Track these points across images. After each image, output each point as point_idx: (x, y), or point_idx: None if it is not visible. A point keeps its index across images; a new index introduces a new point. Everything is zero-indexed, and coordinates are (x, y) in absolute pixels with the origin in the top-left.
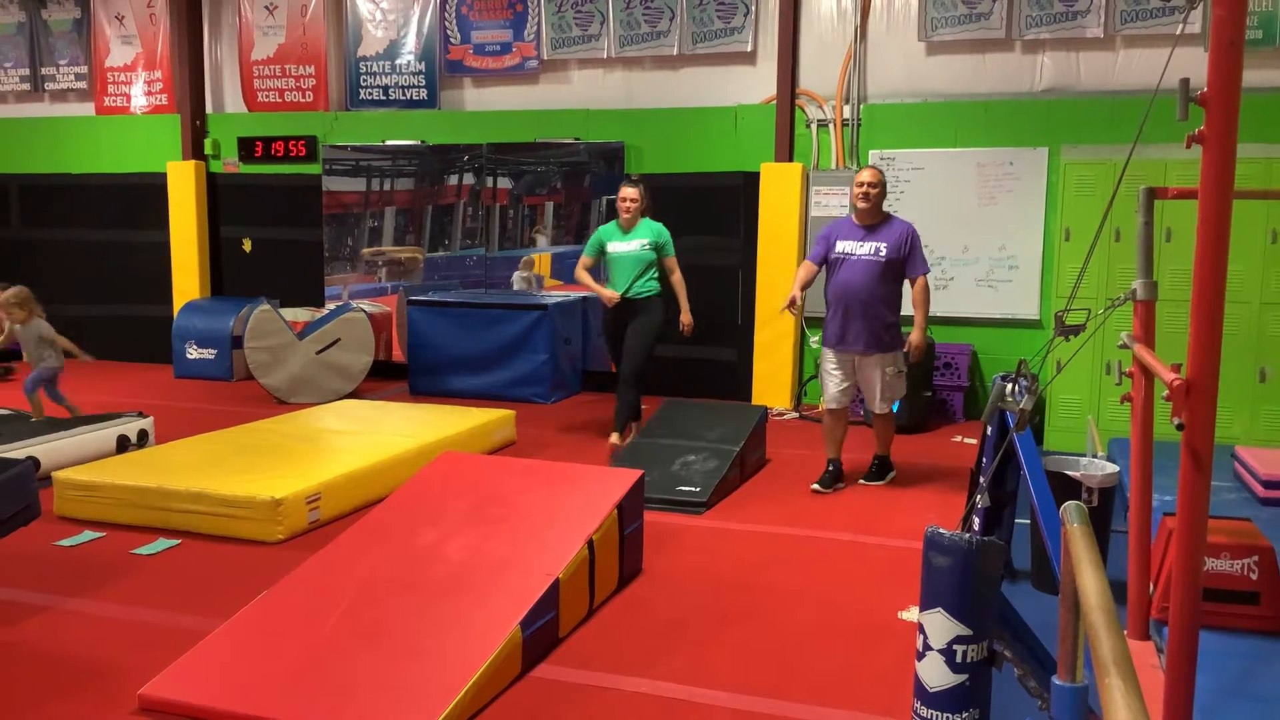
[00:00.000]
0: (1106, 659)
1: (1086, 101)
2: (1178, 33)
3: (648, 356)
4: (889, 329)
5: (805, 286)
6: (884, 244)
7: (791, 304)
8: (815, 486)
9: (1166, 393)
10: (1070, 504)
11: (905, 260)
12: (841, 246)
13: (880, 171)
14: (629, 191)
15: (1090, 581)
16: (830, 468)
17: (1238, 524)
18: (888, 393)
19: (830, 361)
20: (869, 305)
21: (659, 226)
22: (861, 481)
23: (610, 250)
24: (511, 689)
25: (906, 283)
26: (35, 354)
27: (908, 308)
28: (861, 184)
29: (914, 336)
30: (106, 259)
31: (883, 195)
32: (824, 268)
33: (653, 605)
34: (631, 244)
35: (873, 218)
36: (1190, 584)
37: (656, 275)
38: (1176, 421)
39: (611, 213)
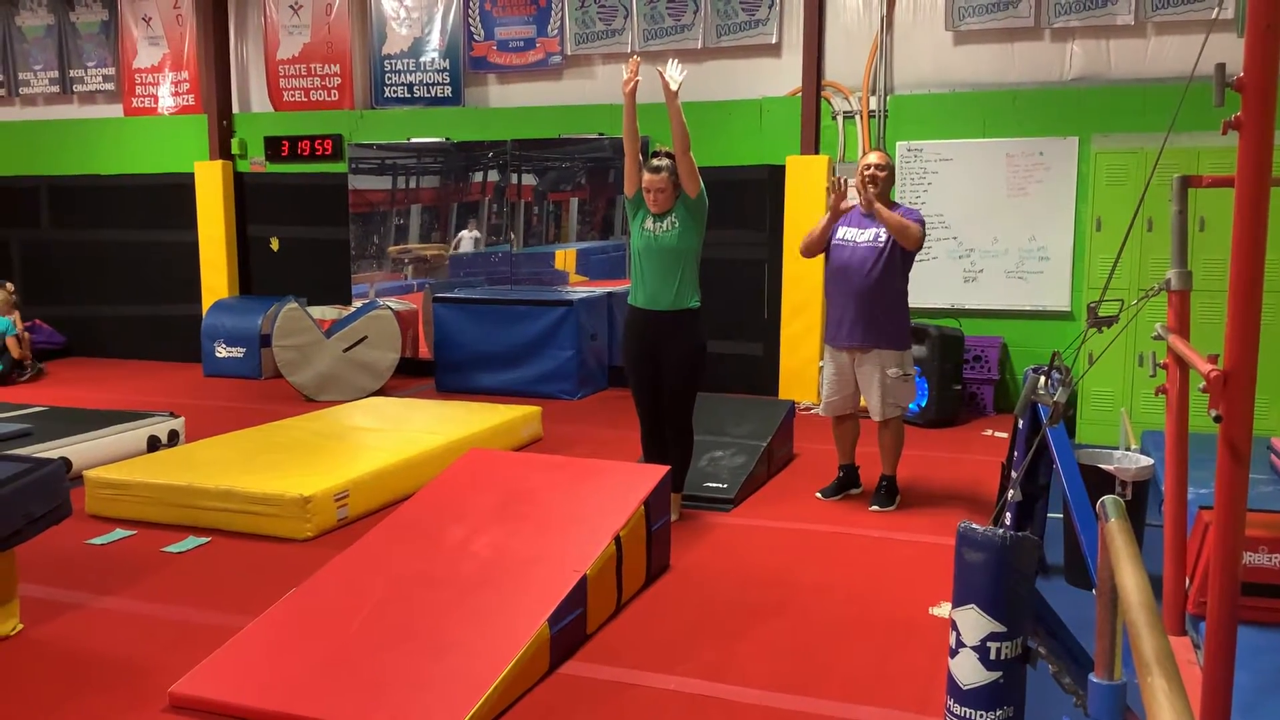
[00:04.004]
0: (1149, 657)
1: (1117, 90)
2: (1212, 17)
3: (694, 400)
4: (890, 322)
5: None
6: (884, 229)
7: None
8: (818, 494)
9: (1203, 384)
10: (1107, 498)
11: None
12: (841, 233)
13: (887, 155)
14: (654, 179)
15: (1129, 578)
16: (841, 474)
17: (1275, 517)
18: (890, 397)
19: (827, 362)
20: (864, 294)
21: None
22: (871, 508)
23: (645, 229)
24: (539, 686)
25: (914, 278)
26: None
27: (911, 304)
28: (868, 165)
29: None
30: (135, 259)
31: (891, 180)
32: (825, 253)
33: (681, 601)
34: (662, 224)
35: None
36: (1228, 578)
37: (696, 273)
38: (1214, 413)
39: None
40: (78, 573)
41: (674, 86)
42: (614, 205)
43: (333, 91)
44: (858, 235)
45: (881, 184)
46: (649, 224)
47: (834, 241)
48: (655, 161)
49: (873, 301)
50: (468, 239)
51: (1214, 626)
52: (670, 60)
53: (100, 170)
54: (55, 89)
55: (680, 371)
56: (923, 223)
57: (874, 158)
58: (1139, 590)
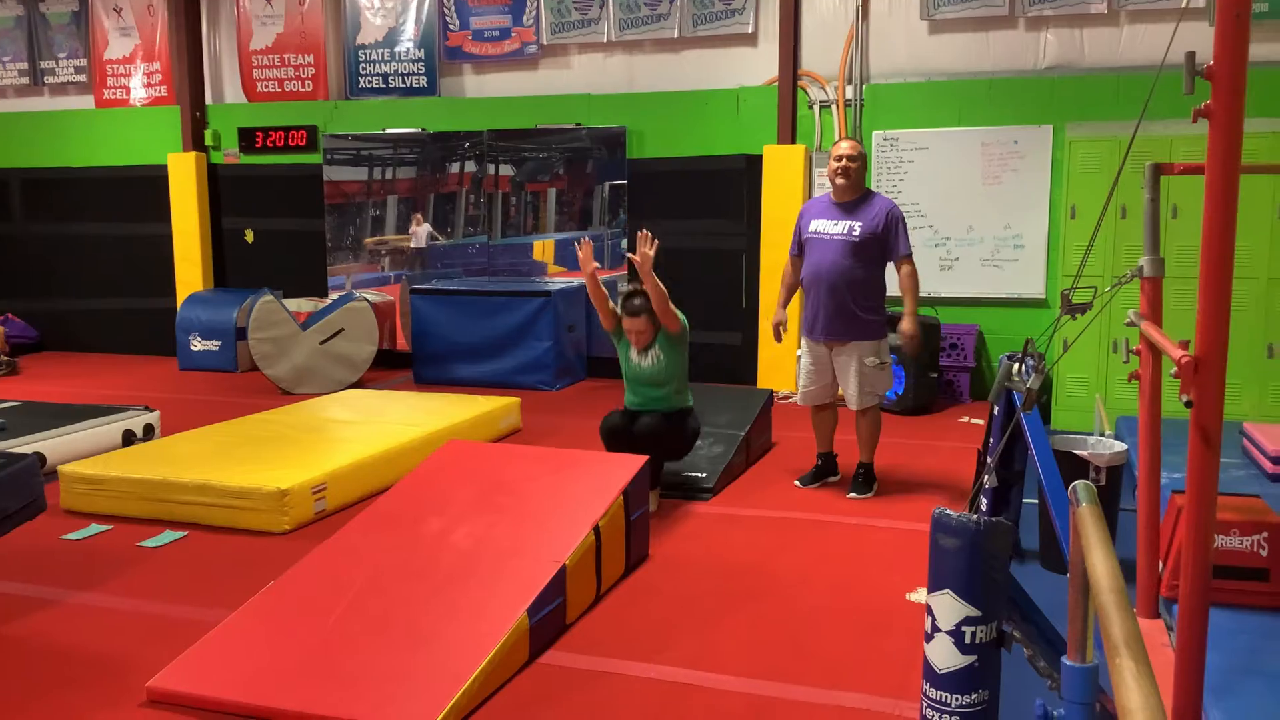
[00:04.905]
0: (1117, 639)
1: (1091, 78)
2: (1183, 6)
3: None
4: (866, 315)
5: (792, 293)
6: (859, 222)
7: (777, 329)
8: (797, 482)
9: (1175, 370)
10: (1079, 483)
11: (883, 240)
12: (814, 226)
13: (859, 144)
14: (633, 323)
15: (1100, 562)
16: (819, 462)
17: (1247, 500)
18: (867, 386)
19: (804, 352)
20: (839, 288)
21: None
22: (850, 495)
23: (631, 360)
24: (519, 676)
25: (891, 268)
26: None
27: (894, 291)
28: (840, 157)
29: (904, 324)
30: (109, 252)
31: (863, 170)
32: (801, 246)
33: (660, 590)
34: (646, 357)
35: (851, 194)
36: (1200, 561)
37: (686, 379)
38: (1185, 399)
39: (615, 201)
40: (53, 568)
41: (638, 258)
42: (591, 195)
43: (307, 82)
44: (831, 228)
45: (853, 176)
46: (634, 355)
47: (808, 235)
48: (633, 303)
49: (847, 294)
50: (420, 233)
51: (1186, 609)
52: (640, 234)
53: (72, 162)
54: (25, 80)
55: (666, 446)
56: (902, 219)
57: (845, 147)
58: (1109, 574)
